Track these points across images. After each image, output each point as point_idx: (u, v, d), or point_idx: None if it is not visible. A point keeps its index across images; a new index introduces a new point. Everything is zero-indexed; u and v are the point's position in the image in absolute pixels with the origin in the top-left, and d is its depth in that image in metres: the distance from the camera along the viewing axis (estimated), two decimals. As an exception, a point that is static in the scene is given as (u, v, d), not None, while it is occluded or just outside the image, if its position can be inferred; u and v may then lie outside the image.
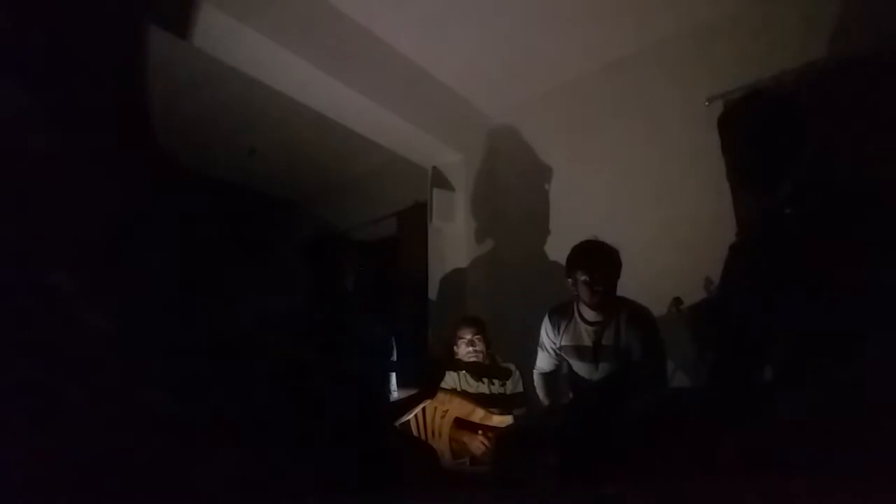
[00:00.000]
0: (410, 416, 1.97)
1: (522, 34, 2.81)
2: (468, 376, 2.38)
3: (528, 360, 2.24)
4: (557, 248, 2.66)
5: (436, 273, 3.30)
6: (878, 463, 0.78)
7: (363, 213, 4.05)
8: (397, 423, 1.84)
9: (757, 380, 1.13)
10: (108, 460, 1.03)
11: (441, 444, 2.15)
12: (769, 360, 1.15)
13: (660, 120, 2.74)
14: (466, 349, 2.39)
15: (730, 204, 2.33)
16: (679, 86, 2.69)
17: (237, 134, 3.65)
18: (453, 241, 3.28)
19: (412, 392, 1.85)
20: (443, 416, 2.20)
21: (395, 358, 1.89)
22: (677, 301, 2.24)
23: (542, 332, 2.06)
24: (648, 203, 2.70)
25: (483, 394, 2.35)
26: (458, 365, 2.37)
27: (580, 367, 1.97)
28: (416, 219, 3.61)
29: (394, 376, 1.89)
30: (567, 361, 2.02)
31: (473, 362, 2.37)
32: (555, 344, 2.02)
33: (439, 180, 3.35)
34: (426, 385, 1.82)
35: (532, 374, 2.21)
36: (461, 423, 2.19)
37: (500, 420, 2.18)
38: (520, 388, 2.41)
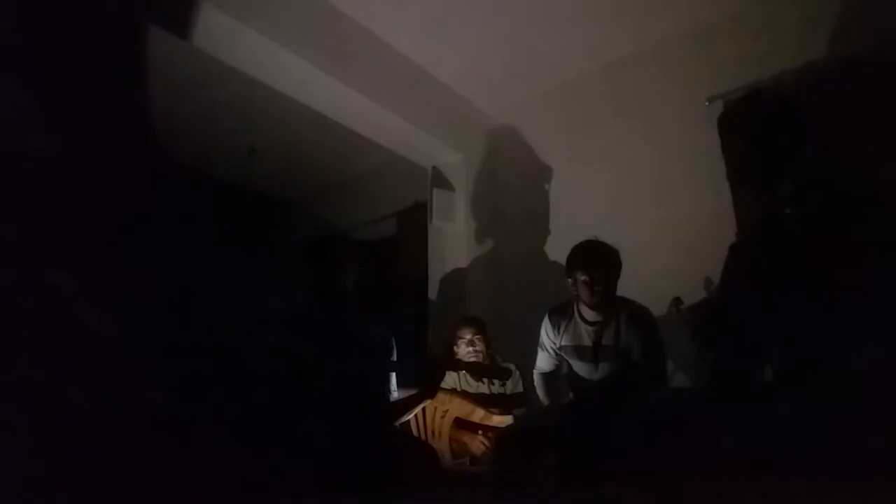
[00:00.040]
0: (410, 416, 1.97)
1: (522, 34, 2.81)
2: (468, 376, 2.38)
3: (528, 360, 2.24)
4: (557, 248, 2.66)
5: (436, 273, 3.30)
6: (878, 463, 0.78)
7: (363, 213, 4.05)
8: (397, 423, 1.84)
9: (757, 380, 1.13)
10: (108, 460, 1.03)
11: (441, 444, 2.15)
12: (769, 360, 1.15)
13: (660, 120, 2.74)
14: (466, 349, 2.39)
15: (730, 204, 2.33)
16: (679, 86, 2.69)
17: (237, 134, 3.65)
18: (453, 241, 3.28)
19: (412, 392, 1.85)
20: (443, 416, 2.20)
21: (395, 358, 1.89)
22: (677, 301, 2.24)
23: (542, 332, 2.06)
24: (648, 203, 2.70)
25: (483, 394, 2.35)
26: (458, 365, 2.37)
27: (580, 367, 1.97)
28: (416, 219, 3.61)
29: (394, 376, 1.89)
30: (567, 361, 2.02)
31: (473, 362, 2.37)
32: (555, 344, 2.02)
33: (439, 180, 3.35)
34: (426, 385, 1.82)
35: (532, 374, 2.21)
36: (461, 423, 2.19)
37: (500, 420, 2.18)
38: (520, 388, 2.41)
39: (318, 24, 2.52)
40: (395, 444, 1.71)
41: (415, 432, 2.22)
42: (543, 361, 2.11)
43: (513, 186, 3.34)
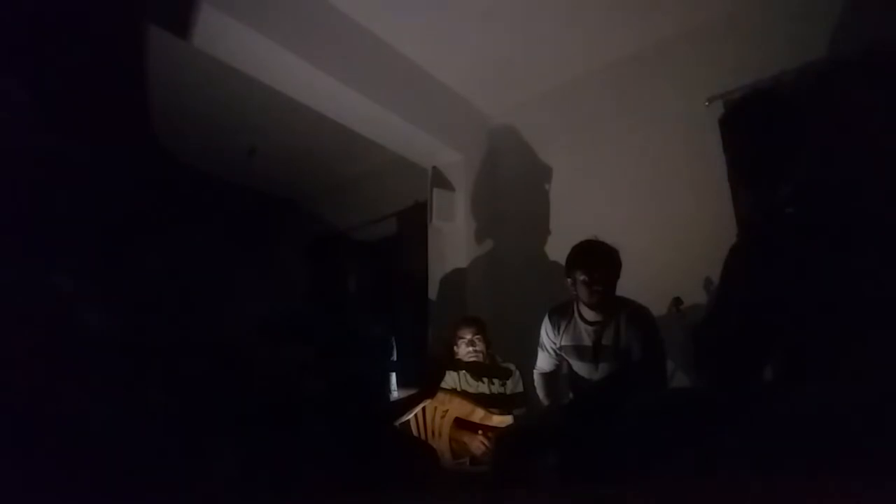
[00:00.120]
0: (410, 416, 1.97)
1: (522, 34, 2.81)
2: (468, 376, 2.38)
3: (528, 360, 2.24)
4: (557, 248, 2.66)
5: (436, 273, 3.30)
6: (878, 463, 0.78)
7: (363, 213, 4.05)
8: (397, 423, 1.84)
9: (757, 380, 1.13)
10: (109, 460, 1.03)
11: (441, 444, 2.15)
12: (769, 360, 1.15)
13: (660, 120, 2.74)
14: (466, 349, 2.39)
15: (730, 204, 2.33)
16: (679, 86, 2.69)
17: (237, 134, 3.65)
18: (453, 241, 3.28)
19: (412, 392, 1.85)
20: (443, 416, 2.20)
21: (395, 358, 1.89)
22: (677, 301, 2.24)
23: (542, 332, 2.06)
24: (648, 203, 2.70)
25: (483, 394, 2.35)
26: (458, 364, 2.37)
27: (580, 367, 1.97)
28: (416, 219, 3.61)
29: (394, 376, 1.89)
30: (567, 361, 2.02)
31: (473, 362, 2.37)
32: (555, 344, 2.02)
33: (439, 180, 3.35)
34: (426, 385, 1.82)
35: (532, 374, 2.21)
36: (461, 423, 2.19)
37: (500, 420, 2.18)
38: (520, 388, 2.41)
39: (318, 24, 2.52)
40: (395, 444, 1.71)
41: (415, 432, 2.22)
42: (543, 361, 2.11)
43: (513, 186, 3.34)
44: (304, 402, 1.55)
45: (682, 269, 2.33)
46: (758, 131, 1.19)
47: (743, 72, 2.43)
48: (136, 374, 1.24)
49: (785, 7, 2.41)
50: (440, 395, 2.08)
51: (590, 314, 1.90)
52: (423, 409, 2.14)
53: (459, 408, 2.20)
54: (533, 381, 2.22)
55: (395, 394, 1.89)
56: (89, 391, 1.09)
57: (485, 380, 2.38)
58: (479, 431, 2.17)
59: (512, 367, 2.43)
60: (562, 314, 2.00)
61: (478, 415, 2.19)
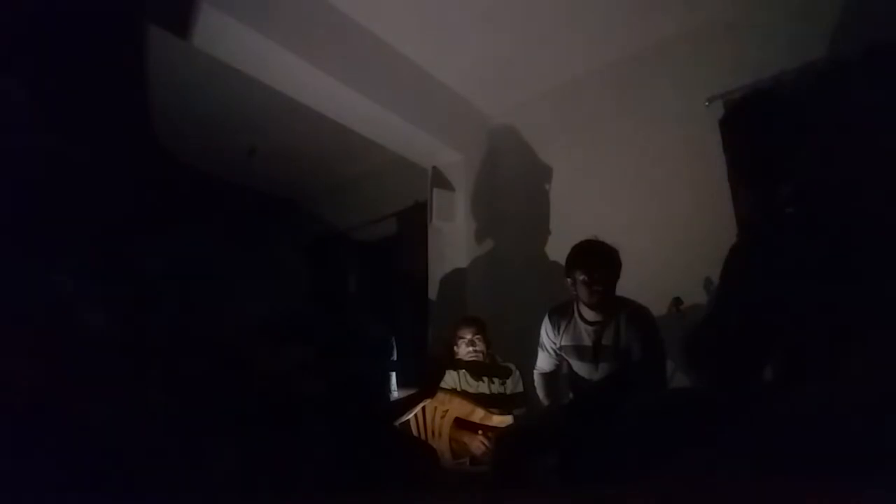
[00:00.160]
0: (410, 416, 1.97)
1: (522, 34, 2.81)
2: (468, 376, 2.38)
3: (528, 360, 2.24)
4: (557, 248, 2.66)
5: (436, 273, 3.30)
6: (878, 463, 0.78)
7: (363, 213, 4.05)
8: (397, 423, 1.84)
9: (757, 380, 1.13)
10: (108, 460, 1.03)
11: (441, 444, 2.15)
12: (769, 359, 1.15)
13: (660, 120, 2.74)
14: (467, 349, 2.39)
15: (730, 204, 2.33)
16: (679, 86, 2.69)
17: (237, 134, 3.65)
18: (453, 241, 3.28)
19: (412, 392, 1.85)
20: (443, 416, 2.20)
21: (395, 358, 1.89)
22: (677, 301, 2.24)
23: (542, 332, 2.06)
24: (648, 203, 2.70)
25: (483, 394, 2.35)
26: (458, 364, 2.37)
27: (580, 367, 1.97)
28: (416, 219, 3.61)
29: (394, 376, 1.89)
30: (567, 361, 2.02)
31: (473, 361, 2.37)
32: (555, 344, 2.02)
33: (439, 180, 3.35)
34: (426, 385, 1.83)
35: (532, 374, 2.21)
36: (461, 423, 2.19)
37: (500, 420, 2.18)
38: (520, 388, 2.41)
39: (319, 24, 2.52)
40: (395, 444, 1.71)
41: (415, 432, 2.22)
42: (543, 361, 2.11)
43: (513, 186, 3.34)
44: (304, 402, 1.55)
45: (682, 269, 2.33)
46: (758, 131, 1.19)
47: (743, 72, 2.43)
48: (135, 374, 1.24)
49: (785, 7, 2.41)
50: (440, 395, 2.08)
51: (590, 314, 1.90)
52: (423, 409, 2.14)
53: (459, 408, 2.20)
54: (533, 381, 2.21)
55: (395, 394, 1.89)
56: (89, 391, 1.09)
57: (485, 380, 2.38)
58: (479, 431, 2.17)
59: (512, 366, 2.43)
60: (562, 314, 2.00)
61: (478, 415, 2.19)
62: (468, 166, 3.34)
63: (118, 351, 1.22)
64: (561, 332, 1.99)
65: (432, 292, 3.29)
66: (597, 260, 1.85)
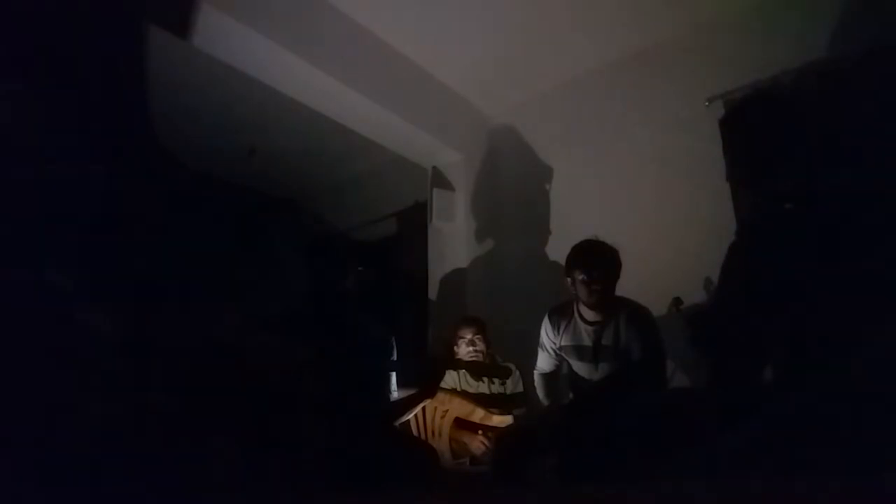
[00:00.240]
0: (410, 416, 1.97)
1: (522, 34, 2.81)
2: (468, 376, 2.38)
3: (528, 360, 2.24)
4: (557, 248, 2.66)
5: (436, 273, 3.30)
6: (877, 463, 0.78)
7: (363, 213, 4.05)
8: (397, 423, 1.84)
9: (757, 380, 1.13)
10: (108, 460, 1.03)
11: (441, 444, 2.15)
12: (769, 360, 1.15)
13: (660, 120, 2.74)
14: (467, 349, 2.39)
15: (730, 204, 2.33)
16: (679, 86, 2.69)
17: (237, 134, 3.65)
18: (453, 241, 3.28)
19: (412, 392, 1.85)
20: (443, 416, 2.20)
21: (395, 358, 1.89)
22: (677, 301, 2.24)
23: (542, 332, 2.06)
24: (648, 203, 2.70)
25: (483, 394, 2.35)
26: (458, 364, 2.37)
27: (580, 367, 1.97)
28: (416, 219, 3.61)
29: (394, 376, 1.89)
30: (567, 361, 2.02)
31: (473, 361, 2.37)
32: (555, 344, 2.02)
33: (439, 180, 3.35)
34: (426, 385, 1.82)
35: (532, 374, 2.21)
36: (461, 423, 2.19)
37: (500, 420, 2.18)
38: (520, 388, 2.41)
39: (318, 24, 2.52)
40: (395, 444, 1.71)
41: (415, 432, 2.22)
42: (543, 362, 2.11)
43: (513, 186, 3.34)
44: (304, 402, 1.55)
45: (682, 269, 2.33)
46: (758, 131, 1.19)
47: (743, 72, 2.43)
48: (135, 374, 1.24)
49: (785, 7, 2.41)
50: (440, 395, 2.08)
51: (589, 314, 1.90)
52: (423, 408, 2.14)
53: (459, 408, 2.20)
54: (533, 381, 2.21)
55: (395, 394, 1.89)
56: (89, 391, 1.09)
57: (485, 380, 2.38)
58: (479, 431, 2.17)
59: (512, 366, 2.43)
60: (562, 314, 2.00)
61: (478, 415, 2.19)
62: (468, 166, 3.34)
63: (117, 351, 1.22)
64: (561, 332, 1.98)
65: (432, 292, 3.29)
66: (596, 260, 1.85)
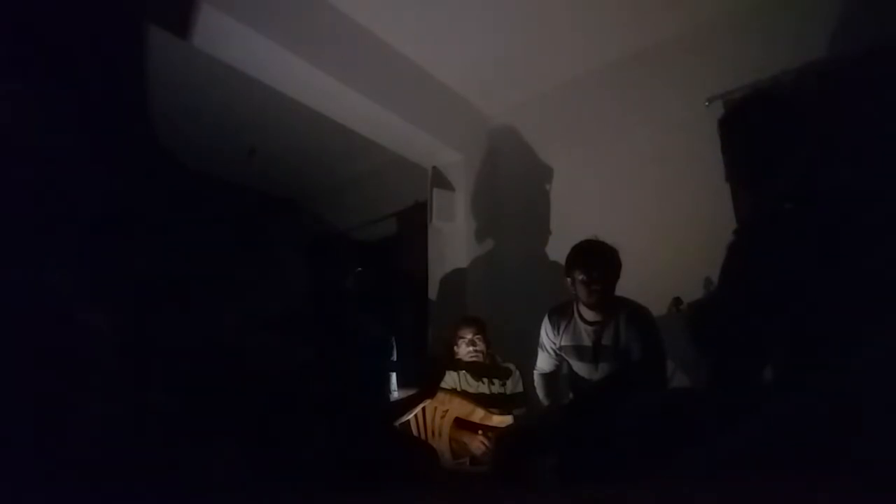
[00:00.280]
0: (410, 416, 1.97)
1: (522, 34, 2.81)
2: (468, 376, 2.38)
3: (528, 360, 2.24)
4: (557, 248, 2.66)
5: (436, 273, 3.30)
6: (877, 463, 0.78)
7: (363, 213, 4.05)
8: (397, 423, 1.84)
9: (757, 380, 1.13)
10: (108, 460, 1.03)
11: (441, 444, 2.15)
12: (769, 359, 1.15)
13: (659, 120, 2.74)
14: (467, 349, 2.39)
15: (730, 204, 2.33)
16: (679, 86, 2.69)
17: (237, 134, 3.65)
18: (453, 241, 3.28)
19: (412, 392, 1.85)
20: (443, 416, 2.20)
21: (395, 358, 1.89)
22: (677, 301, 2.24)
23: (542, 333, 2.06)
24: (648, 203, 2.70)
25: (483, 394, 2.35)
26: (458, 364, 2.37)
27: (580, 368, 1.97)
28: (416, 219, 3.61)
29: (394, 376, 1.89)
30: (567, 361, 2.02)
31: (473, 362, 2.37)
32: (555, 344, 2.02)
33: (439, 180, 3.35)
34: (426, 385, 1.83)
35: (532, 374, 2.21)
36: (461, 423, 2.19)
37: (500, 420, 2.18)
38: (520, 388, 2.41)
39: (319, 24, 2.52)
40: (395, 444, 1.71)
41: (415, 432, 2.22)
42: (543, 362, 2.11)
43: (513, 186, 3.34)
44: (304, 401, 1.55)
45: (682, 269, 2.33)
46: (758, 131, 1.19)
47: (743, 72, 2.43)
48: (135, 374, 1.24)
49: (785, 7, 2.41)
50: (440, 395, 2.08)
51: (589, 314, 1.90)
52: (423, 409, 2.14)
53: (459, 408, 2.20)
54: (533, 381, 2.21)
55: (395, 394, 1.89)
56: (89, 391, 1.09)
57: (485, 380, 2.38)
58: (479, 431, 2.18)
59: (512, 367, 2.43)
60: (561, 314, 2.00)
61: (478, 415, 2.19)
62: (468, 166, 3.34)
63: (117, 351, 1.22)
64: (561, 332, 1.99)
65: (432, 292, 3.29)
66: (596, 260, 1.85)
